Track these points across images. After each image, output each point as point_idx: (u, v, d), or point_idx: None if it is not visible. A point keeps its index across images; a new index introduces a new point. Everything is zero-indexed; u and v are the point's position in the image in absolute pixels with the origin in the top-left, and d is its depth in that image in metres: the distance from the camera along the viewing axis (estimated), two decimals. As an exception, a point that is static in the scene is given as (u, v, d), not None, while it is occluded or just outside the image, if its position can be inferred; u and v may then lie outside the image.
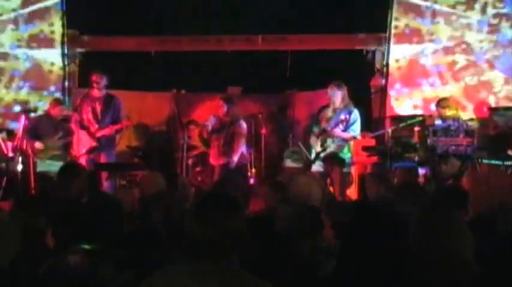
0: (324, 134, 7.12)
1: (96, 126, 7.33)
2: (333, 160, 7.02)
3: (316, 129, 7.29)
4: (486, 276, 2.47)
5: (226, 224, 2.09)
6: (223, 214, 2.11)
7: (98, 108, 7.37)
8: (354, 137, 7.21)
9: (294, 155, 6.28)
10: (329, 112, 7.23)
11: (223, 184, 5.59)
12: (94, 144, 7.26)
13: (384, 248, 2.37)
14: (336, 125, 7.07)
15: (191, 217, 2.13)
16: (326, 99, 7.60)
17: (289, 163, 6.51)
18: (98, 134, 7.26)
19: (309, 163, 6.88)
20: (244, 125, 7.71)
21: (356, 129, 7.19)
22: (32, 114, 7.30)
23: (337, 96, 7.14)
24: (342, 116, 7.06)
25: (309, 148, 7.31)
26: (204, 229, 2.08)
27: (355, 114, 7.17)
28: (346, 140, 7.17)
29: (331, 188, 7.32)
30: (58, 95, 8.64)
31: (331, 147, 7.12)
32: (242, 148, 7.72)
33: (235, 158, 7.61)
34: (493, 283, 2.46)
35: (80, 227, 2.78)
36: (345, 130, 7.13)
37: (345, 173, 7.25)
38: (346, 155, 7.16)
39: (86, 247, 2.69)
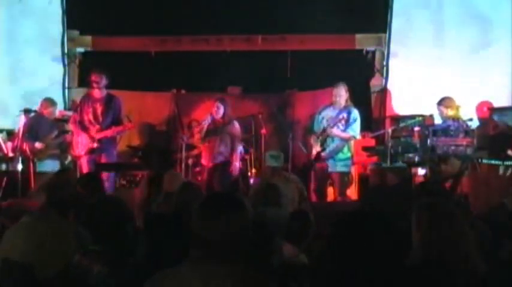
0: (324, 134, 7.12)
1: (97, 127, 7.31)
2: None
3: (316, 129, 7.29)
4: (490, 274, 2.48)
5: (231, 224, 2.08)
6: (228, 214, 2.10)
7: (99, 109, 7.34)
8: (353, 137, 7.21)
9: (273, 158, 6.22)
10: (331, 112, 7.24)
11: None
12: (94, 145, 7.23)
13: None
14: (335, 124, 7.07)
15: (196, 217, 2.13)
16: (326, 99, 7.62)
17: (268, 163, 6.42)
18: (98, 136, 7.24)
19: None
20: (237, 125, 7.67)
21: (355, 129, 7.19)
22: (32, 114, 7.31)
23: (343, 97, 7.18)
24: (341, 115, 7.07)
25: (309, 147, 7.35)
26: (209, 229, 2.08)
27: (355, 114, 7.17)
28: (345, 140, 7.17)
29: (331, 188, 7.35)
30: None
31: (331, 147, 7.11)
32: (239, 150, 7.73)
33: (237, 164, 7.61)
34: (496, 281, 2.46)
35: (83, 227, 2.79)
36: (344, 130, 7.13)
37: (344, 173, 7.25)
38: (346, 154, 7.16)
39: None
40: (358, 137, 7.35)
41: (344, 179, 7.25)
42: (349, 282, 2.21)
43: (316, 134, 7.23)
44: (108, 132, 7.24)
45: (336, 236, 2.36)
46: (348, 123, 7.07)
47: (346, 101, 7.21)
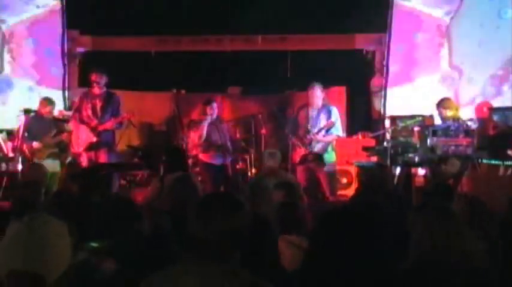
0: (308, 137, 7.17)
1: (96, 121, 7.34)
2: (317, 161, 7.09)
3: (296, 130, 7.34)
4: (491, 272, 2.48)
5: (227, 225, 2.07)
6: (225, 214, 2.08)
7: (98, 105, 7.38)
8: (338, 136, 7.32)
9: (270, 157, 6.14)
10: (310, 111, 7.29)
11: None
12: (94, 139, 7.23)
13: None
14: (319, 130, 7.15)
15: (193, 217, 2.11)
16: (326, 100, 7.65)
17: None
18: (99, 128, 7.26)
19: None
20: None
21: (338, 127, 7.31)
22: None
23: (319, 97, 7.31)
24: (324, 122, 7.14)
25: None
26: (205, 229, 2.07)
27: (335, 113, 7.28)
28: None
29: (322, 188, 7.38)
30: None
31: (316, 148, 7.20)
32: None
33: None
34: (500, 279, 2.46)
35: (90, 225, 2.79)
36: (327, 132, 7.22)
37: (331, 173, 7.29)
38: (330, 153, 7.25)
39: (94, 245, 2.69)
40: (342, 134, 7.45)
41: (331, 178, 7.30)
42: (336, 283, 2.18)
43: (299, 135, 7.26)
44: (109, 124, 7.27)
45: (316, 234, 2.34)
46: (329, 128, 7.14)
47: (323, 100, 7.32)
